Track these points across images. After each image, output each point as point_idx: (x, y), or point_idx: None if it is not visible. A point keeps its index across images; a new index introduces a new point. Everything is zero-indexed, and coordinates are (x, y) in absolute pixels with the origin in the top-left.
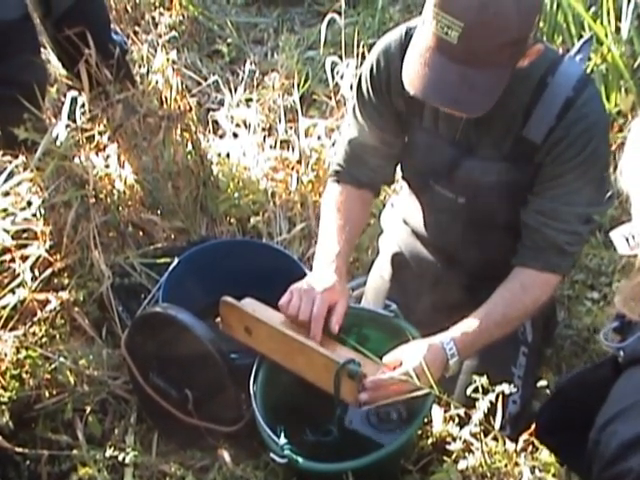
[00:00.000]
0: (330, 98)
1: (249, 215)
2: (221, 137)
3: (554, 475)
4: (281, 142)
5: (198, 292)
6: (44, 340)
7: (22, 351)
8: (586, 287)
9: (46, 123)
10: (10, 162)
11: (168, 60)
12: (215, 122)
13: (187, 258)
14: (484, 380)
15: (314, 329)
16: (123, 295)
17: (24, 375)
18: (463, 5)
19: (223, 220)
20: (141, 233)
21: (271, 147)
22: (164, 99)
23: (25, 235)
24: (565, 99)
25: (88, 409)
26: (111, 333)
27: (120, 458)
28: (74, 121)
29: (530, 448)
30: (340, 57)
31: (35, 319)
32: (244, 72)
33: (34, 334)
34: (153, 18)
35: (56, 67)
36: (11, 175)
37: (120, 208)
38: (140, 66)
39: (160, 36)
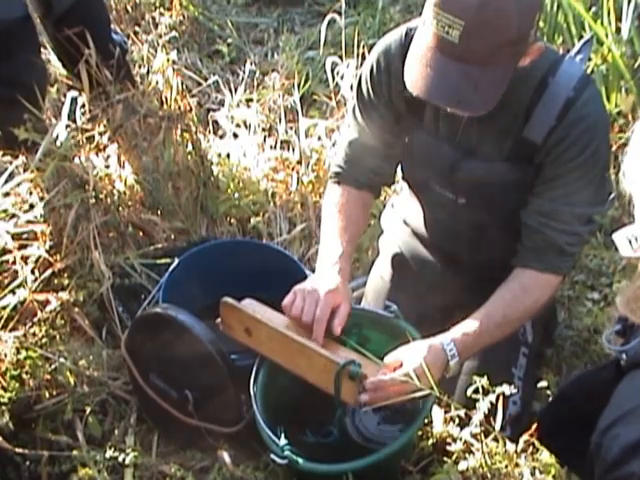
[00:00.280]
0: (330, 98)
1: (249, 215)
2: (221, 137)
3: (554, 476)
4: (281, 142)
5: (198, 293)
6: (44, 341)
7: (22, 352)
8: (586, 288)
9: (46, 123)
10: (10, 163)
11: (168, 60)
12: (215, 122)
13: (187, 259)
14: (484, 381)
15: (317, 331)
16: (123, 296)
17: (24, 376)
18: (463, 4)
19: (223, 220)
20: (141, 233)
21: (271, 147)
22: (164, 99)
23: (25, 236)
24: (565, 99)
25: (88, 410)
26: (111, 334)
27: (120, 459)
28: (74, 121)
29: (530, 449)
30: (340, 57)
31: (35, 320)
32: (244, 72)
33: (34, 335)
34: (153, 18)
35: (56, 67)
36: (11, 176)
37: (120, 208)
38: (140, 66)
39: (160, 36)
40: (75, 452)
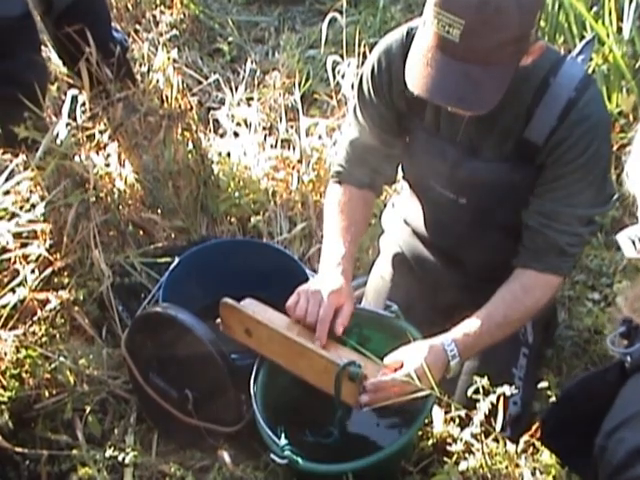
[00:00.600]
0: (331, 97)
1: (250, 215)
2: (222, 136)
3: (555, 477)
4: (282, 141)
5: (198, 292)
6: (44, 339)
7: (22, 350)
8: (587, 288)
9: (46, 121)
10: (10, 161)
11: (169, 59)
12: (216, 121)
13: (187, 258)
14: (485, 381)
15: (320, 331)
16: (123, 295)
17: (24, 374)
18: (464, 3)
19: (223, 219)
20: (141, 232)
21: (272, 146)
22: (165, 98)
23: (25, 234)
24: (567, 100)
25: (88, 409)
26: (111, 333)
27: (120, 458)
28: (74, 120)
29: (531, 449)
30: (341, 56)
31: (35, 318)
32: (245, 71)
33: (34, 333)
34: (154, 16)
35: (57, 65)
36: (12, 174)
37: (120, 207)
38: (141, 65)
39: (161, 34)
40: (75, 451)
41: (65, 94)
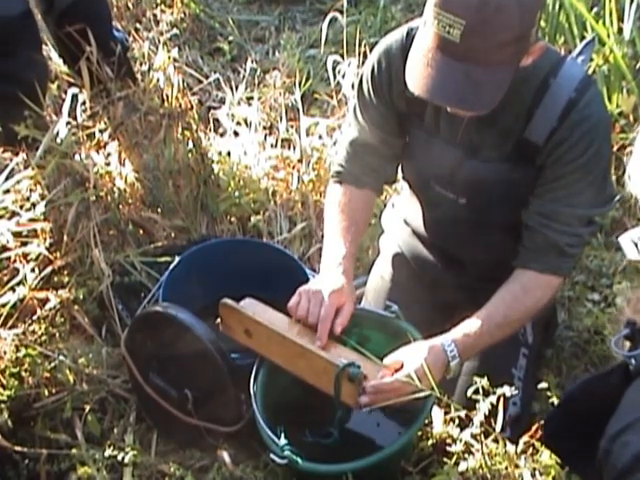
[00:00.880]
0: (331, 97)
1: (250, 214)
2: (222, 135)
3: (554, 478)
4: (282, 141)
5: (198, 291)
6: (44, 338)
7: (21, 349)
8: (587, 288)
9: (47, 120)
10: (11, 160)
11: (169, 58)
12: (216, 120)
13: (187, 257)
14: (484, 382)
15: (321, 331)
16: (123, 294)
17: (23, 373)
18: (464, 3)
19: (223, 219)
20: (141, 231)
21: (272, 146)
22: (165, 97)
23: (25, 233)
24: (567, 100)
25: (87, 408)
26: (111, 332)
27: (119, 457)
28: (75, 118)
29: (530, 450)
30: (342, 56)
31: (35, 317)
32: (245, 70)
33: (34, 332)
34: (154, 15)
35: (57, 64)
36: (12, 173)
37: (120, 206)
38: (141, 64)
39: (161, 34)
40: (74, 450)
41: (65, 93)
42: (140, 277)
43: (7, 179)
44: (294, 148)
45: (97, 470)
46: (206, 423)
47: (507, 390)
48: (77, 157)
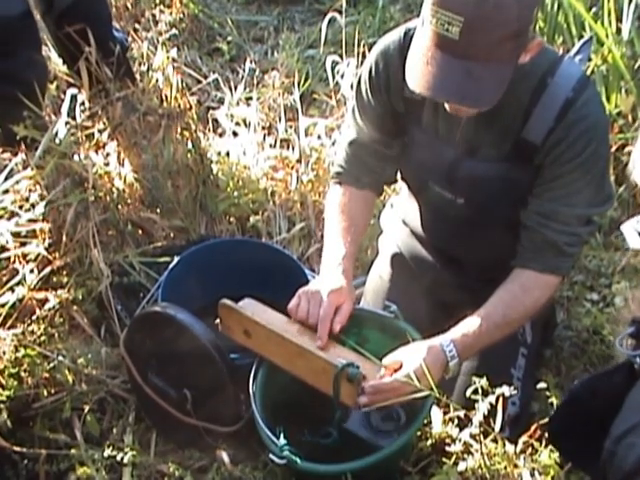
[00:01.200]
0: (330, 97)
1: (248, 214)
2: (221, 136)
3: (553, 477)
4: (281, 141)
5: (197, 291)
6: (43, 339)
7: (21, 349)
8: (585, 288)
9: (46, 120)
10: (10, 160)
11: (168, 58)
12: (215, 120)
13: (186, 257)
14: (483, 382)
15: (321, 331)
16: (122, 294)
17: (22, 374)
18: (462, 0)
19: (222, 219)
20: (140, 232)
21: (271, 146)
22: (164, 97)
23: (25, 233)
24: (564, 100)
25: (86, 408)
26: (110, 332)
27: (118, 458)
28: (74, 119)
29: (529, 450)
30: (340, 56)
31: (34, 317)
32: (244, 70)
33: (33, 332)
34: (153, 15)
35: (56, 64)
36: (11, 173)
37: (119, 206)
38: (140, 64)
39: (160, 34)
40: (73, 450)
41: (64, 93)
42: (139, 277)
43: (6, 179)
44: (293, 148)
45: (96, 470)
46: (205, 423)
47: (506, 390)
48: (76, 157)
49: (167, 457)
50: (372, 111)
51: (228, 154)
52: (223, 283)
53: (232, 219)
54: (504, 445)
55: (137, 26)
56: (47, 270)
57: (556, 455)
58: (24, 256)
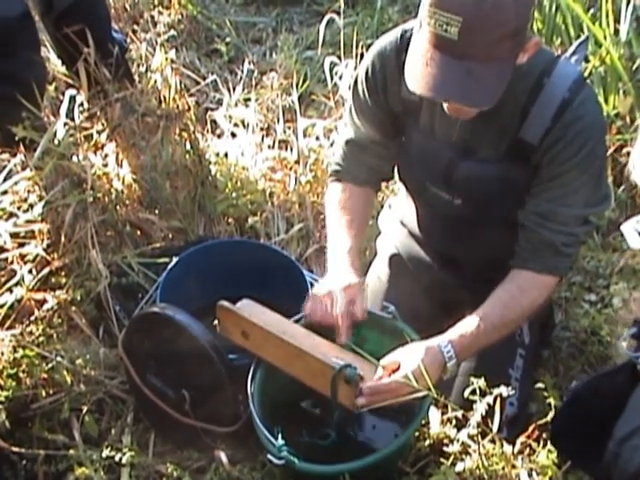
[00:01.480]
0: (329, 98)
1: (247, 215)
2: (219, 137)
3: (551, 478)
4: (279, 142)
5: (196, 292)
6: (41, 339)
7: (19, 350)
8: (583, 289)
9: (44, 121)
10: (8, 161)
11: (167, 59)
12: (213, 122)
13: (185, 258)
14: (481, 382)
15: (341, 329)
16: (120, 295)
17: (21, 374)
18: (460, 0)
19: (221, 220)
20: (139, 232)
21: (269, 147)
22: (162, 98)
23: (23, 234)
24: (561, 100)
25: (85, 409)
26: (108, 333)
27: (117, 458)
28: (72, 120)
29: (527, 451)
30: (339, 57)
31: (32, 318)
32: (242, 72)
33: (31, 333)
34: (152, 17)
35: (55, 65)
36: (9, 174)
37: (118, 207)
38: (139, 65)
39: (159, 35)
40: (72, 451)
41: (63, 94)
42: (137, 278)
43: (5, 180)
44: (291, 149)
45: (94, 471)
46: (203, 423)
47: (504, 390)
48: (75, 158)
49: (165, 457)
50: (369, 112)
51: (226, 155)
52: (221, 284)
53: (230, 220)
54: (502, 445)
55: (136, 27)
56: (45, 271)
57: (554, 455)
58: (22, 257)
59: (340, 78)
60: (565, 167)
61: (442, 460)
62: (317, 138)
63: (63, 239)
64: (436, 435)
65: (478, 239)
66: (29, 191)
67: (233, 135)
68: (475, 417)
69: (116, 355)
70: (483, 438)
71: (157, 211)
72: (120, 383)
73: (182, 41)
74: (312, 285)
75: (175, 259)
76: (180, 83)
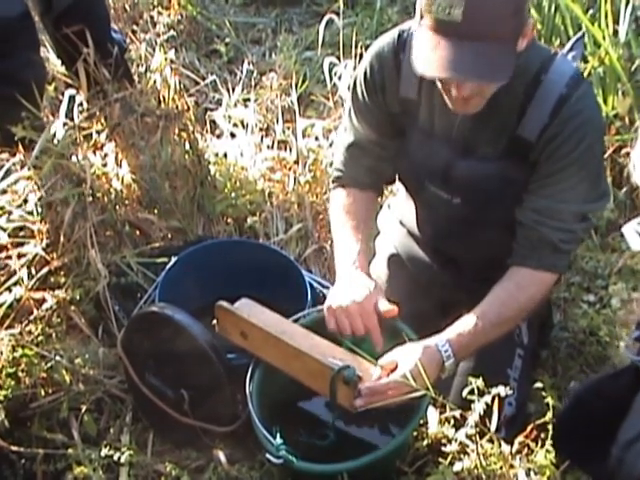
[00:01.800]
0: (328, 99)
1: (246, 215)
2: (218, 137)
3: (549, 478)
4: (278, 142)
5: (194, 292)
6: (40, 339)
7: (18, 349)
8: (582, 290)
9: (44, 121)
10: (7, 160)
11: (166, 59)
12: (213, 122)
13: (184, 258)
14: (480, 382)
15: (377, 339)
16: (119, 294)
17: (20, 374)
18: None
19: (220, 220)
20: (138, 232)
21: (268, 147)
22: (162, 98)
23: (22, 233)
24: (558, 96)
25: (84, 408)
26: (107, 332)
27: (115, 457)
28: (72, 119)
29: (525, 450)
30: (338, 58)
31: (31, 317)
32: (242, 72)
33: (30, 333)
34: (151, 17)
35: (54, 65)
36: (8, 173)
37: (117, 207)
38: (138, 65)
39: (158, 35)
40: (70, 450)
41: (63, 94)
42: (136, 278)
43: (4, 179)
44: (290, 150)
45: (93, 470)
46: (202, 423)
47: (502, 390)
48: (74, 158)
49: (164, 457)
50: (368, 112)
51: (226, 155)
52: (220, 284)
53: (229, 220)
54: (500, 445)
55: (135, 28)
56: (45, 270)
57: (552, 455)
58: (21, 256)
59: (339, 79)
60: (563, 163)
61: (440, 460)
62: (316, 138)
63: (62, 239)
64: (434, 435)
65: (477, 238)
66: (28, 190)
67: (232, 135)
68: (473, 417)
69: (115, 355)
70: (481, 438)
71: (156, 211)
72: (119, 382)
73: (181, 41)
74: (312, 286)
75: (174, 259)
76: (179, 83)
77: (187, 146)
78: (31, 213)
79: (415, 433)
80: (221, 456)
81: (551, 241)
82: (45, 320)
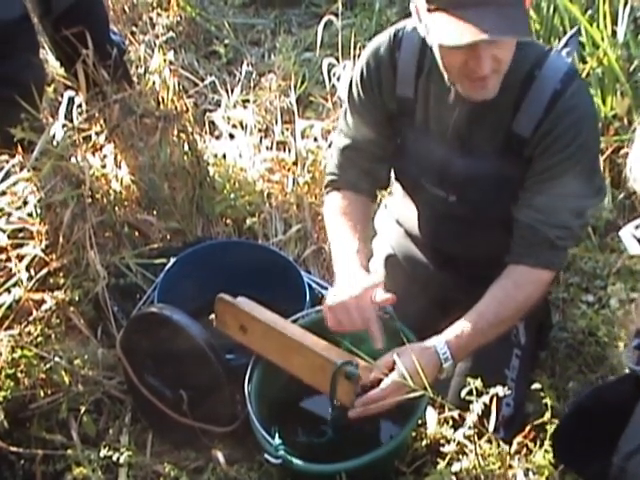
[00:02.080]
0: (327, 100)
1: (245, 216)
2: (217, 138)
3: (547, 478)
4: (277, 143)
5: (193, 293)
6: (39, 340)
7: (17, 350)
8: (581, 290)
9: (43, 123)
10: (7, 162)
11: (165, 61)
12: (212, 123)
13: (183, 259)
14: (478, 382)
15: (375, 333)
16: (118, 295)
17: (19, 374)
18: None
19: (219, 221)
20: (137, 233)
21: (267, 148)
22: (161, 100)
23: (21, 234)
24: (553, 92)
25: (83, 409)
26: (106, 333)
27: (114, 458)
28: (71, 121)
29: (524, 451)
30: (337, 59)
31: (30, 318)
32: (241, 73)
33: (29, 333)
34: (150, 19)
35: (53, 67)
36: (8, 175)
37: (116, 208)
38: (137, 66)
39: (157, 37)
40: (69, 451)
41: (62, 96)
42: (135, 279)
43: (3, 181)
44: (289, 151)
45: (92, 470)
46: (201, 423)
47: (500, 390)
48: (73, 159)
49: (163, 457)
50: (365, 111)
51: (224, 156)
52: (219, 285)
53: (228, 221)
54: (498, 446)
55: (134, 29)
56: (44, 271)
57: (550, 455)
58: (21, 257)
59: (338, 80)
60: (558, 158)
61: (439, 460)
62: (315, 139)
63: (61, 240)
64: (433, 435)
65: (474, 237)
66: (27, 192)
67: (231, 136)
68: (471, 417)
69: (114, 355)
70: (479, 438)
71: (155, 212)
72: (118, 383)
73: (180, 43)
74: (311, 287)
75: (173, 260)
76: (178, 84)
77: (186, 147)
78: (30, 214)
79: (414, 433)
80: (220, 456)
81: (548, 238)
82: (44, 321)
